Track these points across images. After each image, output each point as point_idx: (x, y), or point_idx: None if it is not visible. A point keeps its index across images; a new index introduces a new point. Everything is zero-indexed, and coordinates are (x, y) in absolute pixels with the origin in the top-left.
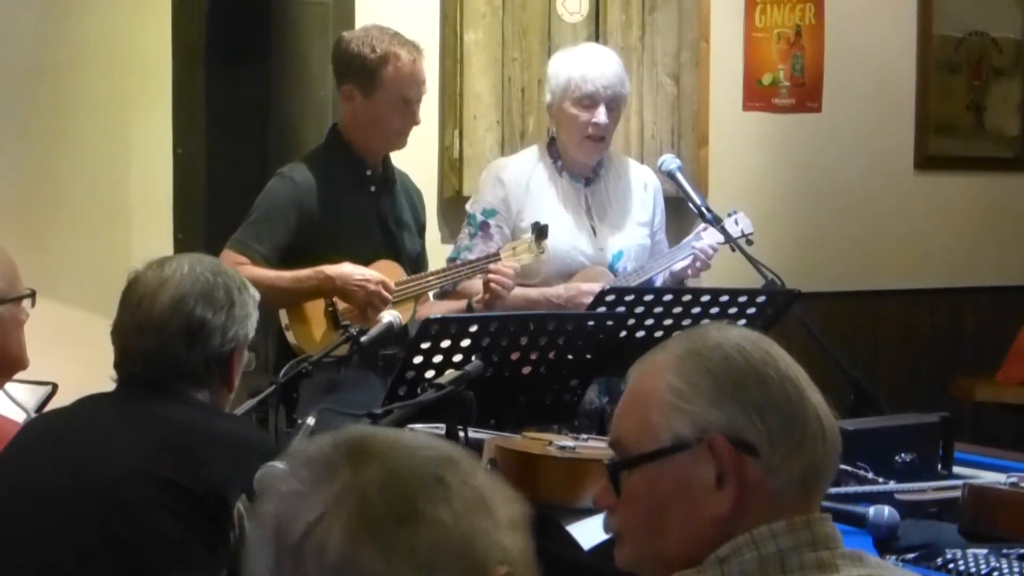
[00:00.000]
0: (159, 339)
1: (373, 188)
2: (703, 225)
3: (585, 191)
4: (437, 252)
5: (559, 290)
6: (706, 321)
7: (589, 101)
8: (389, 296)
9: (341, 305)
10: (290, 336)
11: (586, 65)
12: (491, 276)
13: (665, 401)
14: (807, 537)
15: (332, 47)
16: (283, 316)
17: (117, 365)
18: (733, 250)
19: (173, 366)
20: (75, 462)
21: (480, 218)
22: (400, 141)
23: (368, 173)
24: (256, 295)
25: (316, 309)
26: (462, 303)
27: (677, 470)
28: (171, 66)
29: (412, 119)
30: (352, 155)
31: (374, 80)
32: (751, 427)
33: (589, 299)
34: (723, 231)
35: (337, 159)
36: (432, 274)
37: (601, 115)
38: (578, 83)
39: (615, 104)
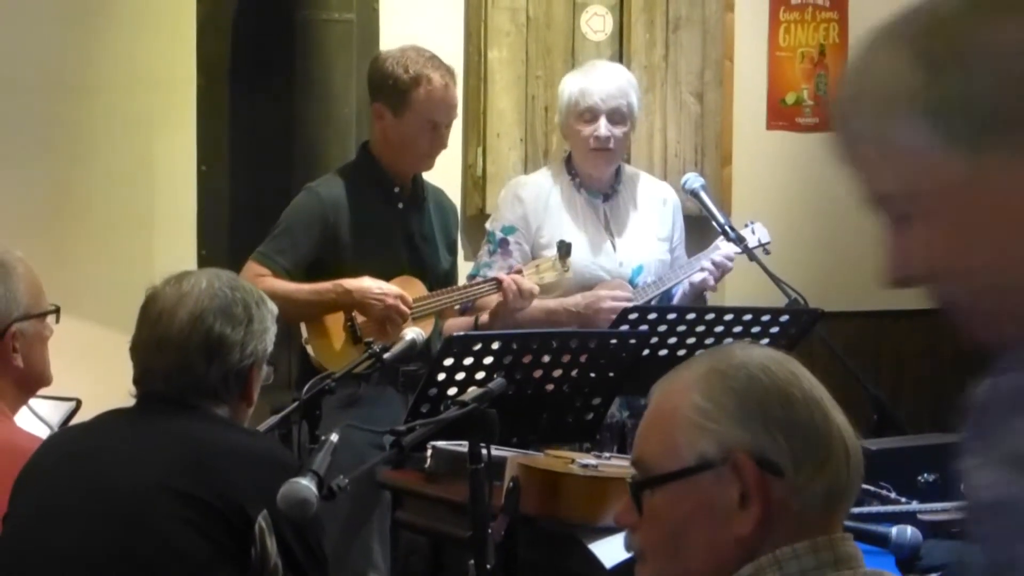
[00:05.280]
0: (178, 355)
1: (400, 205)
2: (720, 238)
3: (604, 206)
4: (460, 269)
5: (577, 299)
6: (729, 340)
7: (590, 115)
8: (407, 311)
9: (360, 319)
10: (310, 350)
11: (587, 80)
12: (506, 281)
13: (689, 420)
14: (829, 557)
15: (368, 64)
16: (303, 330)
17: (137, 381)
18: (751, 259)
19: (192, 382)
20: (96, 479)
21: (499, 235)
22: (426, 163)
23: (396, 190)
24: (274, 309)
25: (335, 323)
26: (471, 320)
27: (701, 489)
28: (195, 84)
29: (440, 143)
30: (380, 172)
31: (404, 101)
32: (776, 447)
33: (608, 303)
34: (745, 249)
35: (365, 175)
36: (452, 290)
37: (602, 127)
38: (578, 98)
39: (618, 116)
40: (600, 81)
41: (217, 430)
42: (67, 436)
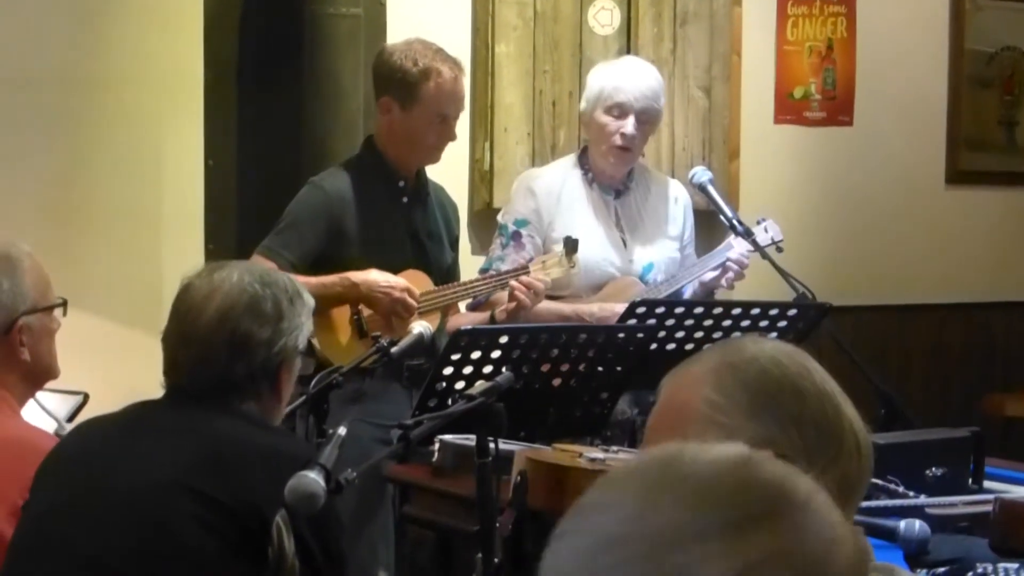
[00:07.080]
0: (201, 351)
1: (405, 199)
2: (732, 235)
3: (615, 203)
4: (467, 263)
5: (592, 308)
6: (737, 334)
7: (619, 111)
8: (414, 304)
9: (366, 312)
10: (315, 343)
11: (621, 76)
12: (515, 286)
13: (701, 414)
14: None
15: (374, 58)
16: None
17: (165, 373)
18: (763, 257)
19: (216, 378)
20: (113, 474)
21: (512, 228)
22: (434, 156)
23: (401, 184)
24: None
25: (341, 317)
26: (486, 314)
27: None
28: (203, 78)
29: (448, 135)
30: (385, 166)
31: (414, 95)
32: (788, 441)
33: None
34: (754, 243)
35: (369, 169)
36: (459, 285)
37: (630, 125)
38: (610, 92)
39: (646, 117)
40: (635, 79)
41: (239, 427)
42: (89, 428)
